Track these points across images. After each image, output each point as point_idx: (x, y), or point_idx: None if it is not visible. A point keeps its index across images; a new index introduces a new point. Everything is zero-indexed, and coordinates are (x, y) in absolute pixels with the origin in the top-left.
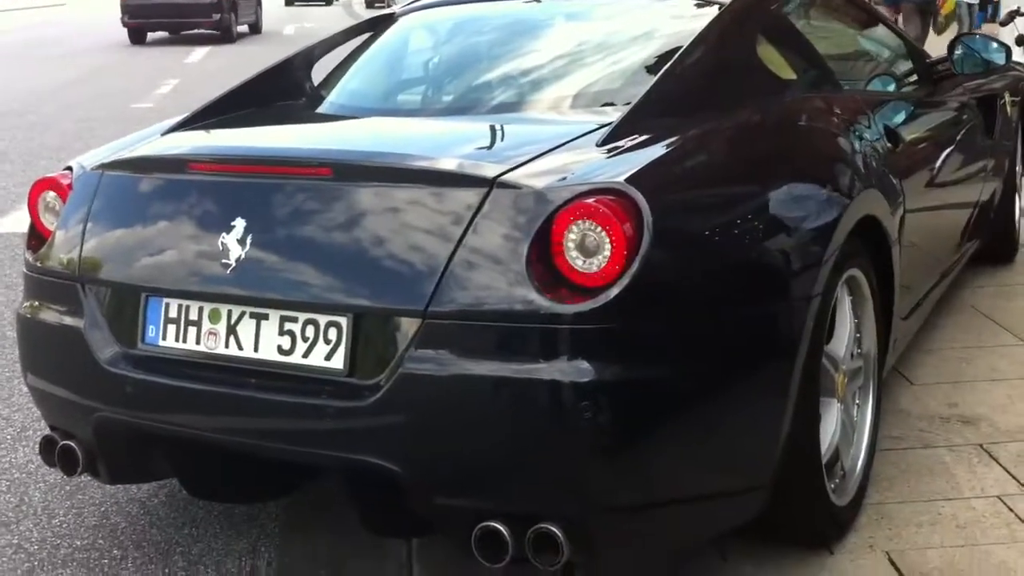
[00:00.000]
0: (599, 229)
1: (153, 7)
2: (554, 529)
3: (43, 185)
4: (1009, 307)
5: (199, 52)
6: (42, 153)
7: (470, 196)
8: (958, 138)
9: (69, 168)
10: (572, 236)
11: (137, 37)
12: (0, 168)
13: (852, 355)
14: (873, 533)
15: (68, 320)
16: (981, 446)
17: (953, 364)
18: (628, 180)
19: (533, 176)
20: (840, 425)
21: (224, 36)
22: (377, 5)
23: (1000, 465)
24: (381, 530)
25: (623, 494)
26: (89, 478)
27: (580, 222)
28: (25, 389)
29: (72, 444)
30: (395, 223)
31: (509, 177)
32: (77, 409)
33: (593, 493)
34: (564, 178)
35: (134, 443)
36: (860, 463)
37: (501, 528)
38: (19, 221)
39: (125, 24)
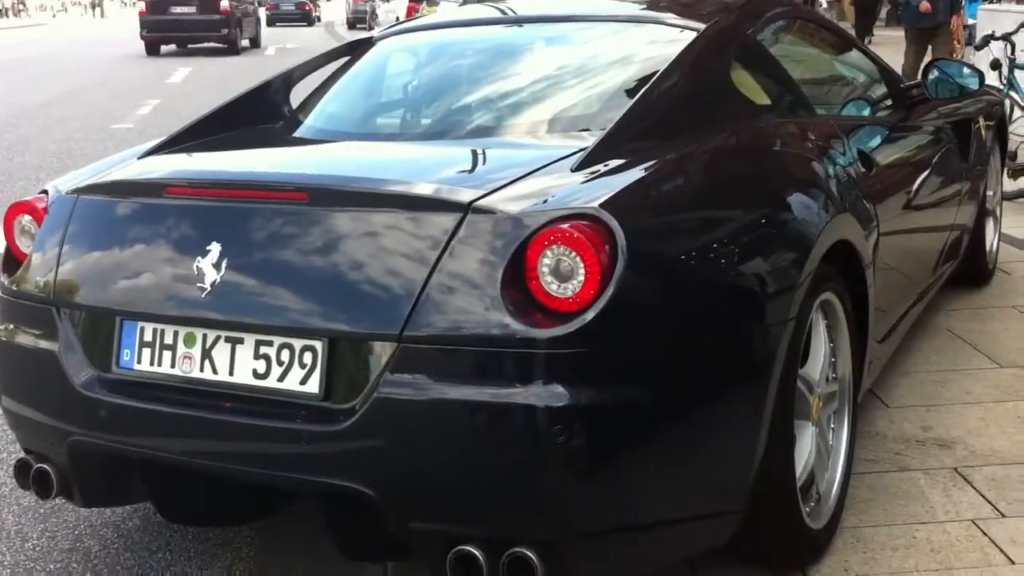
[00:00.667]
0: (573, 254)
1: (170, 23)
2: (529, 553)
3: (18, 209)
4: (984, 330)
5: (180, 72)
6: (20, 173)
7: (446, 220)
8: (933, 162)
9: (45, 192)
10: (547, 261)
11: (152, 49)
12: None
13: (827, 379)
14: (848, 557)
15: (43, 343)
16: (956, 470)
17: (928, 387)
18: (602, 205)
19: (508, 201)
20: (815, 448)
21: (230, 48)
22: (359, 27)
23: (974, 488)
24: (358, 555)
25: (597, 517)
26: (63, 501)
27: (554, 247)
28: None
29: (47, 467)
30: (371, 247)
31: (484, 202)
32: (52, 432)
33: (567, 517)
34: (539, 203)
35: (108, 467)
36: (835, 487)
37: (476, 552)
38: None
39: (143, 38)
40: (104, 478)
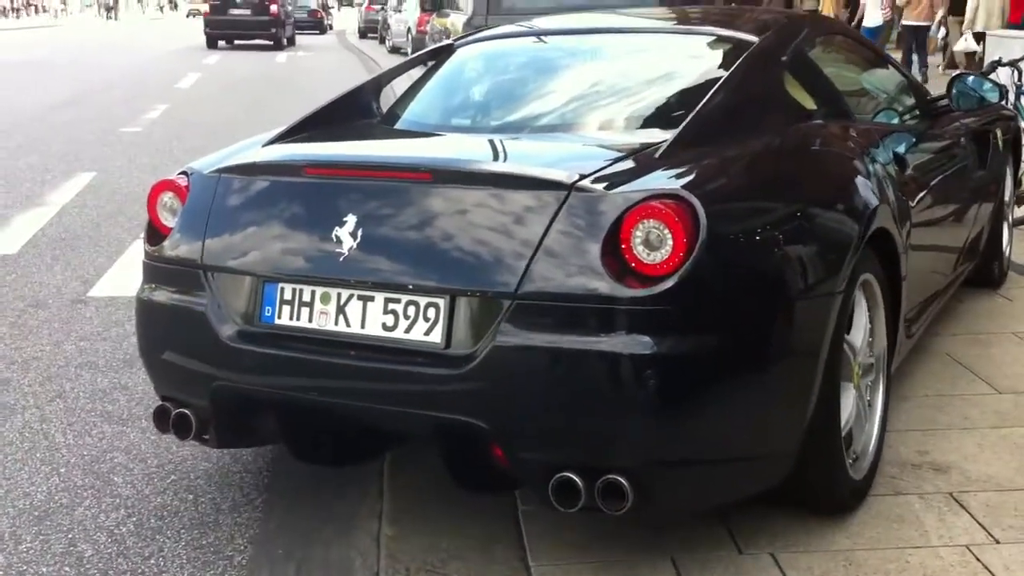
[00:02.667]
0: (663, 227)
1: (228, 22)
2: (621, 479)
3: (162, 187)
4: (983, 355)
5: (190, 78)
6: (26, 175)
7: (552, 198)
8: (956, 166)
9: (185, 172)
10: (639, 233)
11: (211, 43)
12: None
13: (865, 352)
14: None
15: (191, 302)
16: (951, 495)
17: (926, 411)
18: (686, 187)
19: (605, 182)
20: (855, 410)
21: (275, 45)
22: (371, 35)
23: (969, 514)
24: (472, 486)
25: (673, 449)
26: (56, 506)
27: (646, 221)
28: None
29: (186, 412)
30: (487, 219)
31: (585, 182)
32: (197, 379)
33: (650, 448)
34: (632, 184)
35: (245, 410)
36: (872, 445)
37: (575, 478)
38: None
39: (206, 33)
40: (239, 420)
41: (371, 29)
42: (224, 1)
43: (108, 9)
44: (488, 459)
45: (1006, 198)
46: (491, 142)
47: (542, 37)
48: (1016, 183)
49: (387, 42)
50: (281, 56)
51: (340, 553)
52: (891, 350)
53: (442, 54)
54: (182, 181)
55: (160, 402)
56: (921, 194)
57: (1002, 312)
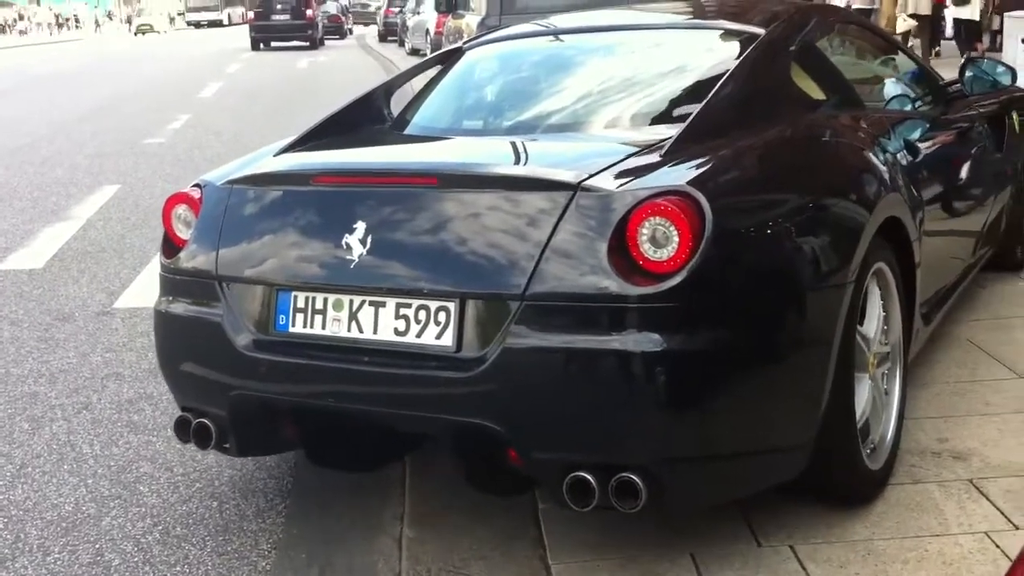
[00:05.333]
0: (669, 224)
1: (270, 27)
2: (634, 477)
3: (176, 200)
4: (1004, 340)
5: (212, 87)
6: (52, 189)
7: (558, 198)
8: (971, 152)
9: (198, 185)
10: (645, 231)
11: (256, 45)
12: (9, 204)
13: (880, 341)
14: (859, 570)
15: (207, 313)
16: (971, 481)
17: (946, 398)
18: (691, 183)
19: (610, 180)
20: (871, 400)
21: (311, 45)
22: (391, 39)
23: (989, 501)
24: (485, 487)
25: (686, 446)
26: (83, 516)
27: (652, 219)
28: (26, 427)
29: (206, 422)
30: (493, 222)
31: (591, 182)
32: (215, 388)
33: (661, 444)
34: (637, 182)
35: (263, 417)
36: (889, 434)
37: (588, 477)
38: (25, 258)
39: (252, 37)
40: (258, 428)
41: (391, 32)
42: (267, 8)
43: (130, 21)
44: (502, 460)
45: None
46: (497, 144)
47: (549, 37)
48: None
49: (406, 44)
50: (302, 62)
51: (363, 557)
52: (907, 339)
53: (451, 57)
54: (195, 193)
55: (180, 413)
56: (935, 180)
57: (1022, 296)
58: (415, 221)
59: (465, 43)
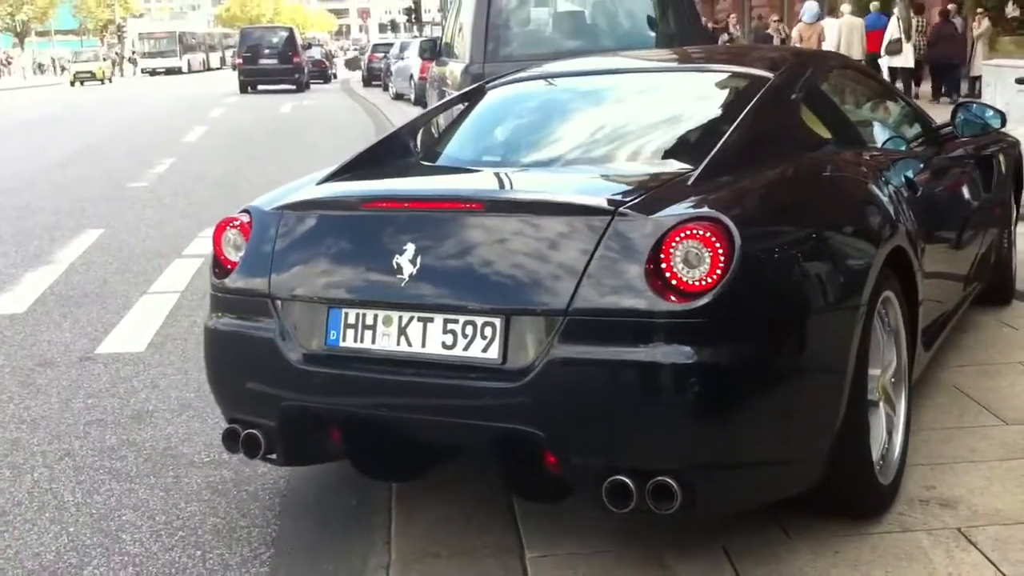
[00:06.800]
0: (702, 247)
1: (258, 71)
2: (669, 481)
3: (225, 224)
4: (991, 386)
5: (197, 131)
6: (35, 233)
7: (598, 222)
8: (963, 190)
9: (246, 211)
10: (679, 253)
11: (244, 88)
12: None
13: (889, 363)
14: None
15: (260, 329)
16: (959, 530)
17: (934, 445)
18: (720, 210)
19: (646, 207)
20: (883, 418)
21: (297, 88)
22: (375, 83)
23: (978, 549)
24: (527, 494)
25: (715, 452)
26: (67, 564)
27: (686, 242)
28: (7, 473)
29: (255, 432)
30: (537, 244)
31: (627, 208)
32: (266, 400)
33: (693, 451)
34: (671, 209)
35: (313, 428)
36: (897, 451)
37: (627, 480)
38: (7, 302)
39: (240, 80)
40: (306, 438)
41: (375, 77)
42: (255, 53)
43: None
44: (542, 466)
45: (1013, 218)
46: (534, 174)
47: (567, 78)
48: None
49: (390, 89)
50: (286, 106)
51: None
52: (911, 361)
53: (474, 95)
54: (245, 218)
55: (228, 424)
56: (931, 216)
57: (1008, 341)
58: (462, 243)
59: (487, 82)
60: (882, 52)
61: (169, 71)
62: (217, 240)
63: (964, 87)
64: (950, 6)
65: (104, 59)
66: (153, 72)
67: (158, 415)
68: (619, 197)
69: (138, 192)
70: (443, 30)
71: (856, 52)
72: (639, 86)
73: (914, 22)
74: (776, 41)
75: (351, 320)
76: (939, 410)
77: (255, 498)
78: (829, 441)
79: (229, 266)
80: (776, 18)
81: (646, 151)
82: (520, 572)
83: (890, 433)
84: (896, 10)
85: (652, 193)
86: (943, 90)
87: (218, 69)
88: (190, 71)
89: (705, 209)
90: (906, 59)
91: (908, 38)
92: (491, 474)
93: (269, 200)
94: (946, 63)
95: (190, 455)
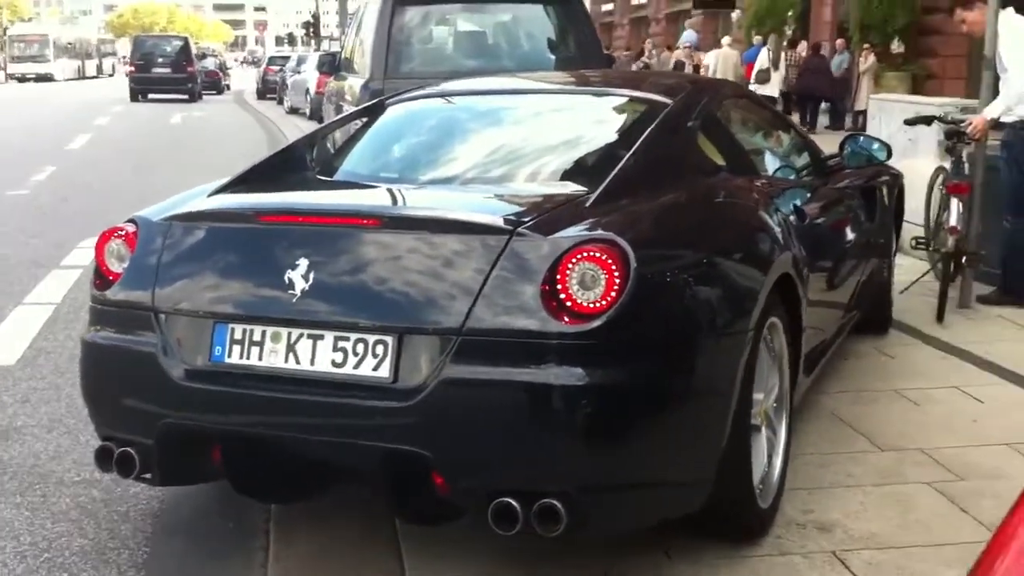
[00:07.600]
0: (597, 269)
1: (151, 80)
2: (555, 503)
3: (110, 234)
4: (866, 413)
5: (81, 139)
6: None
7: (495, 242)
8: (847, 219)
9: (132, 221)
10: (574, 274)
11: (135, 96)
12: None
13: (771, 389)
14: None
15: (141, 344)
16: (834, 553)
17: (811, 470)
18: (617, 233)
19: (543, 227)
20: (763, 442)
21: (190, 99)
22: (269, 96)
23: (852, 572)
24: (414, 517)
25: (603, 474)
26: None
27: (582, 264)
28: None
29: (129, 451)
30: (433, 262)
31: (525, 228)
32: (144, 418)
33: (580, 473)
34: (568, 230)
35: (192, 447)
36: (776, 475)
37: (513, 503)
38: None
39: (132, 88)
40: (184, 458)
41: (270, 90)
42: (147, 61)
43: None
44: (430, 489)
45: (892, 249)
46: (432, 192)
47: (468, 97)
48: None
49: (285, 103)
50: (176, 117)
51: None
52: (792, 387)
53: (374, 111)
54: (131, 228)
55: (102, 442)
56: (816, 244)
57: (885, 369)
58: (357, 259)
59: (388, 98)
60: (752, 80)
61: (40, 78)
62: (100, 250)
63: (848, 120)
64: (824, 42)
65: None
66: (23, 78)
67: (27, 431)
68: (517, 217)
69: (16, 200)
70: (342, 45)
71: (731, 79)
72: (539, 107)
73: (783, 55)
74: (688, 69)
75: (237, 336)
76: (817, 435)
77: (126, 519)
78: (714, 464)
79: (111, 277)
80: (685, 45)
81: (545, 172)
82: None
83: (770, 457)
84: (769, 43)
85: (550, 214)
86: (807, 119)
87: (94, 78)
88: (64, 78)
89: (601, 231)
90: (772, 88)
91: (776, 68)
92: (374, 497)
93: (158, 211)
94: (809, 95)
95: (59, 473)
